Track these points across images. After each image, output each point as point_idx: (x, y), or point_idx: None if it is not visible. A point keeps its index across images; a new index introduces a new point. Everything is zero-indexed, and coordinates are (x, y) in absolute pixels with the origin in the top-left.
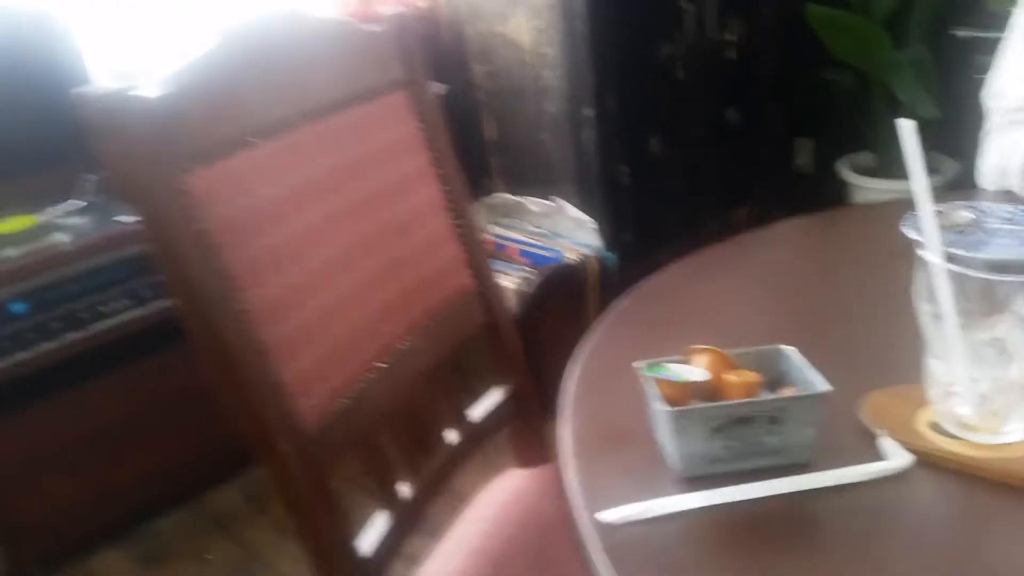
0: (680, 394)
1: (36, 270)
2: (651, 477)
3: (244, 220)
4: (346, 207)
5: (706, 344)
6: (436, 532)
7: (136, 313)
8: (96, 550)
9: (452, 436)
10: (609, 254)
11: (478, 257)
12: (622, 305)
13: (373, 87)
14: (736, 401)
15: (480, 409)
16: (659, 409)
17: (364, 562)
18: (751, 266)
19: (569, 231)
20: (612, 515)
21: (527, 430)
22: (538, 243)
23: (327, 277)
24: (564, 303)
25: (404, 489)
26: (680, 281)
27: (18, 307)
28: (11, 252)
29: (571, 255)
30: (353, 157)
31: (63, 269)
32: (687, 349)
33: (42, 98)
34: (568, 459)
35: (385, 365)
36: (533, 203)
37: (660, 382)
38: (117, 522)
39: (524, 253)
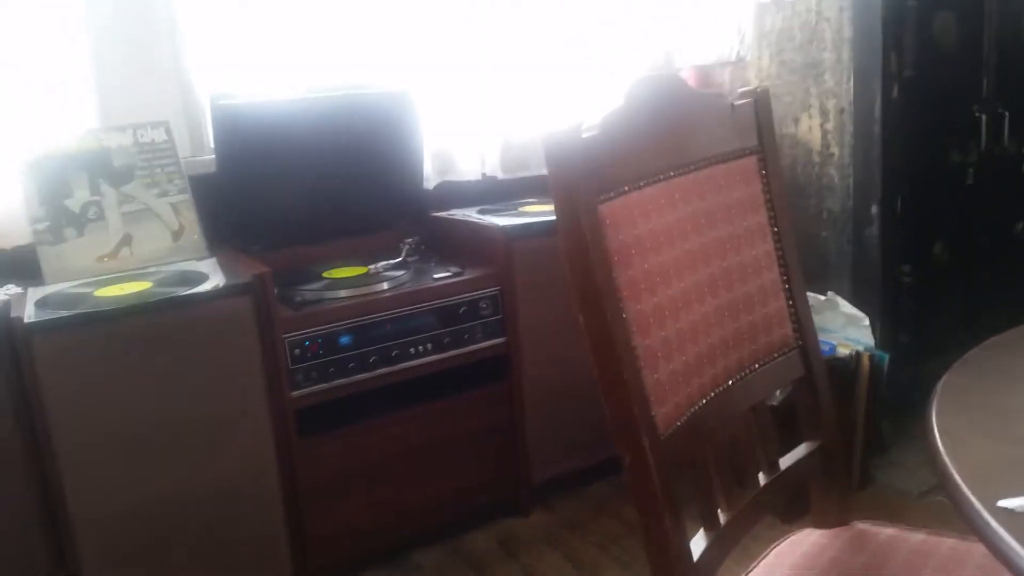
0: None
1: (361, 311)
2: None
3: (630, 246)
4: (701, 248)
5: None
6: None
7: (435, 357)
8: (364, 571)
9: (763, 478)
10: (882, 353)
11: (802, 312)
12: (968, 355)
13: (732, 151)
14: None
15: (789, 459)
16: None
17: (696, 566)
18: None
19: (839, 327)
20: (1013, 503)
21: (830, 488)
22: None
23: (683, 304)
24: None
25: (721, 516)
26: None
27: (345, 339)
28: (343, 293)
29: (843, 349)
30: (709, 207)
31: (382, 312)
32: None
33: (384, 172)
34: (944, 451)
35: (714, 395)
36: None
37: None
38: (384, 548)
39: None
